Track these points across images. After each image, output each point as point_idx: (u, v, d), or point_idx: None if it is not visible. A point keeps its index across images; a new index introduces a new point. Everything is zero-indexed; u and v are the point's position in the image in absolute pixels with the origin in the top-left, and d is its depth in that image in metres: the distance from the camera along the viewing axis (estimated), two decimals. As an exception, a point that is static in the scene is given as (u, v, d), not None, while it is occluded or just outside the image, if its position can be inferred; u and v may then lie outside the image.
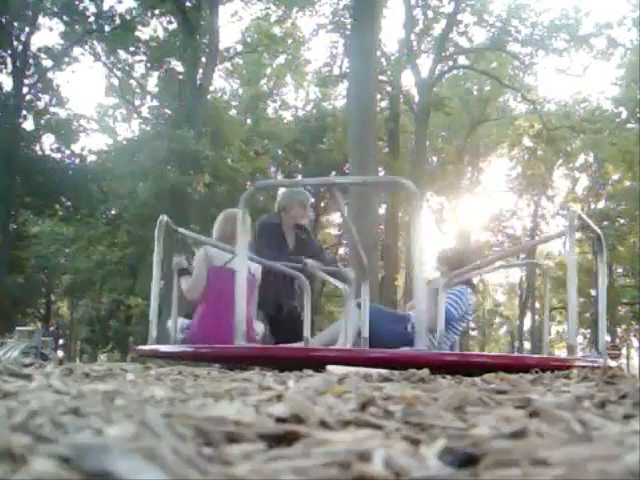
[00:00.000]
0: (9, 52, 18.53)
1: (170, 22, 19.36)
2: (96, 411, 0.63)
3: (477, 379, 1.38)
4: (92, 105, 42.19)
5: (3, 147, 16.93)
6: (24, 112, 18.87)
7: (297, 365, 1.80)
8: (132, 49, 19.48)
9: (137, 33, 19.25)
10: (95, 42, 19.48)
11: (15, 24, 18.50)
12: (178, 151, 15.62)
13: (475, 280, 4.07)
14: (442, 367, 1.80)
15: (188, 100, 17.40)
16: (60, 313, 30.84)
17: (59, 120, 19.44)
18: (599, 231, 2.85)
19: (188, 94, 17.61)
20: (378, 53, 15.10)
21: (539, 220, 27.09)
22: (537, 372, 1.61)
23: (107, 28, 18.69)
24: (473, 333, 30.54)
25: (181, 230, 3.30)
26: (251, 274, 3.41)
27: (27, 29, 18.73)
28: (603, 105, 23.12)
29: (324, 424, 0.60)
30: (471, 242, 24.09)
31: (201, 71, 18.36)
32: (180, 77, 18.97)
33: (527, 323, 28.38)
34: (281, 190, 4.57)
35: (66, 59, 19.58)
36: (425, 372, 1.42)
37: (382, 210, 18.41)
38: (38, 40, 41.89)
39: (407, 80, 21.09)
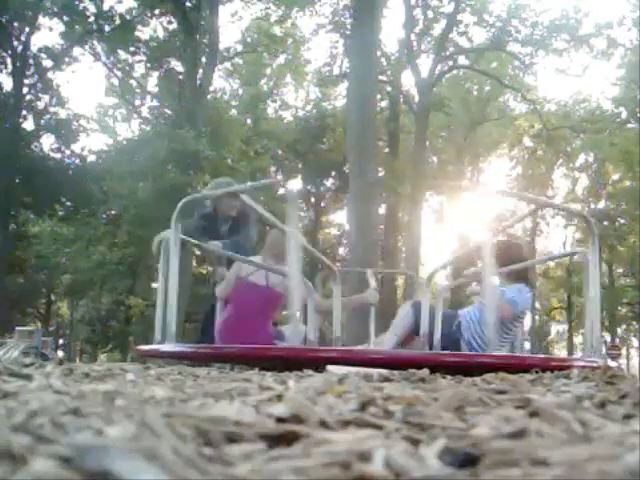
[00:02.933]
0: (9, 52, 18.52)
1: (170, 22, 19.37)
2: (96, 411, 0.63)
3: (477, 379, 1.38)
4: (92, 105, 42.22)
5: (3, 147, 16.93)
6: (24, 112, 18.86)
7: (297, 366, 1.80)
8: (132, 49, 19.48)
9: (137, 33, 19.25)
10: (95, 42, 19.48)
11: (15, 24, 18.50)
12: (178, 151, 15.62)
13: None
14: (442, 367, 1.80)
15: (188, 100, 17.40)
16: (60, 313, 30.84)
17: (59, 120, 19.43)
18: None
19: (188, 94, 17.61)
20: (378, 53, 15.11)
21: (539, 220, 27.09)
22: (537, 372, 1.61)
23: (107, 28, 18.68)
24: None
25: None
26: (268, 286, 3.56)
27: (27, 29, 18.73)
28: (603, 105, 23.14)
29: (324, 424, 0.60)
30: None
31: (201, 71, 18.36)
32: (180, 77, 18.97)
33: (527, 323, 28.34)
34: (211, 183, 4.58)
35: (66, 59, 19.58)
36: (425, 372, 1.42)
37: (382, 210, 18.41)
38: (38, 40, 41.92)
39: (407, 80, 21.12)
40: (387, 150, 20.65)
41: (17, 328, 13.73)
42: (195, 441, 0.50)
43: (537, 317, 28.11)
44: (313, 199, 26.09)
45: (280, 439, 0.53)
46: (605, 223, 22.97)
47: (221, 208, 4.37)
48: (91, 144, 46.25)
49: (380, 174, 16.45)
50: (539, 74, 21.98)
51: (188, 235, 3.29)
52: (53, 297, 28.42)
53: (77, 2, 18.03)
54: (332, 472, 0.43)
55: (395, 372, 1.43)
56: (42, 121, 19.44)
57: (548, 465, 0.45)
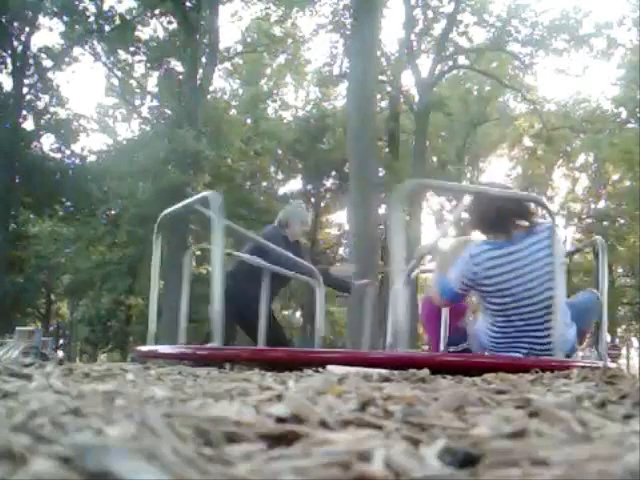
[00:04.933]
0: (9, 52, 18.53)
1: (170, 22, 19.37)
2: (96, 411, 0.63)
3: (477, 379, 1.38)
4: (92, 105, 42.25)
5: (3, 147, 16.94)
6: (24, 112, 18.87)
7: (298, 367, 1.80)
8: (132, 49, 19.47)
9: (137, 33, 19.25)
10: (95, 42, 19.47)
11: (15, 24, 18.50)
12: (178, 151, 15.62)
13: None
14: (442, 367, 1.80)
15: (188, 100, 17.40)
16: (60, 313, 30.84)
17: (59, 120, 19.44)
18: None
19: (188, 94, 17.61)
20: (378, 53, 15.11)
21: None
22: (537, 372, 1.61)
23: (107, 28, 18.69)
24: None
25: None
26: None
27: (27, 29, 18.73)
28: (603, 105, 23.13)
29: (324, 424, 0.60)
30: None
31: (201, 71, 18.36)
32: (180, 77, 18.96)
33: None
34: (289, 207, 4.76)
35: (66, 59, 19.58)
36: (425, 372, 1.42)
37: (382, 210, 18.40)
38: (38, 40, 41.92)
39: (407, 80, 21.13)
40: (387, 150, 20.65)
41: (17, 328, 13.69)
42: (195, 441, 0.50)
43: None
44: (313, 199, 26.09)
45: (280, 439, 0.53)
46: (605, 223, 22.97)
47: (293, 231, 4.52)
48: (91, 144, 46.30)
49: (380, 174, 16.45)
50: (539, 74, 22.02)
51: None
52: (53, 297, 28.41)
53: (77, 2, 18.03)
54: (332, 472, 0.43)
55: (395, 372, 1.43)
56: (42, 121, 19.44)
57: (548, 465, 0.45)
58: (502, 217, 2.59)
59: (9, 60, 18.53)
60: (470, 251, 2.63)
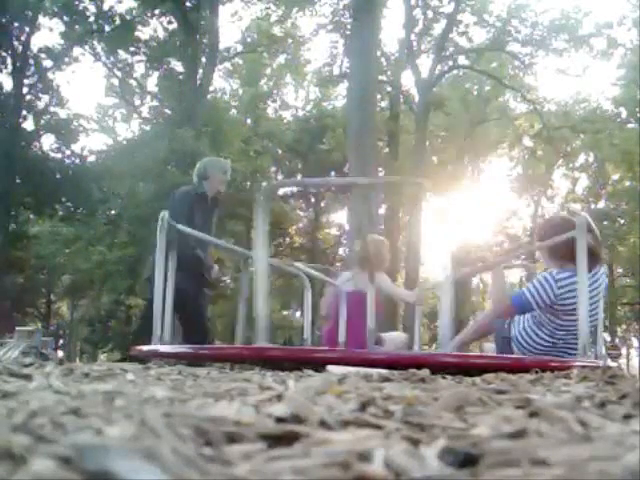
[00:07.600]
0: (9, 52, 18.52)
1: (170, 22, 19.37)
2: (96, 411, 0.63)
3: (477, 379, 1.38)
4: (92, 105, 42.20)
5: (3, 147, 16.93)
6: (24, 112, 18.86)
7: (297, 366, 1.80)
8: (132, 49, 19.48)
9: (137, 33, 19.26)
10: (95, 42, 19.48)
11: (15, 24, 18.50)
12: (178, 151, 15.61)
13: (475, 280, 3.98)
14: (442, 367, 1.80)
15: (188, 100, 17.40)
16: (60, 313, 30.83)
17: (59, 120, 19.42)
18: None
19: (188, 94, 17.60)
20: (378, 53, 15.10)
21: (539, 220, 27.06)
22: (537, 372, 1.61)
23: (107, 28, 18.69)
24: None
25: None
26: (362, 292, 3.67)
27: (27, 29, 18.72)
28: (603, 105, 23.13)
29: (324, 424, 0.60)
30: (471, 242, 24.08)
31: (201, 71, 18.36)
32: (180, 77, 18.96)
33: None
34: (203, 161, 4.63)
35: (66, 59, 19.57)
36: (425, 372, 1.42)
37: (382, 210, 18.41)
38: (38, 40, 41.88)
39: (407, 80, 21.12)
40: (387, 150, 20.64)
41: (17, 328, 13.67)
42: (195, 441, 0.50)
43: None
44: (313, 199, 26.08)
45: (280, 439, 0.53)
46: (605, 223, 22.95)
47: (214, 184, 4.41)
48: (91, 144, 46.29)
49: (380, 174, 16.45)
50: (539, 74, 21.97)
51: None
52: (53, 297, 28.39)
53: (77, 2, 18.03)
54: (332, 472, 0.43)
55: (395, 372, 1.43)
56: (42, 121, 19.43)
57: (548, 465, 0.45)
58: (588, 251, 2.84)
59: (9, 60, 18.51)
60: (554, 276, 3.06)
